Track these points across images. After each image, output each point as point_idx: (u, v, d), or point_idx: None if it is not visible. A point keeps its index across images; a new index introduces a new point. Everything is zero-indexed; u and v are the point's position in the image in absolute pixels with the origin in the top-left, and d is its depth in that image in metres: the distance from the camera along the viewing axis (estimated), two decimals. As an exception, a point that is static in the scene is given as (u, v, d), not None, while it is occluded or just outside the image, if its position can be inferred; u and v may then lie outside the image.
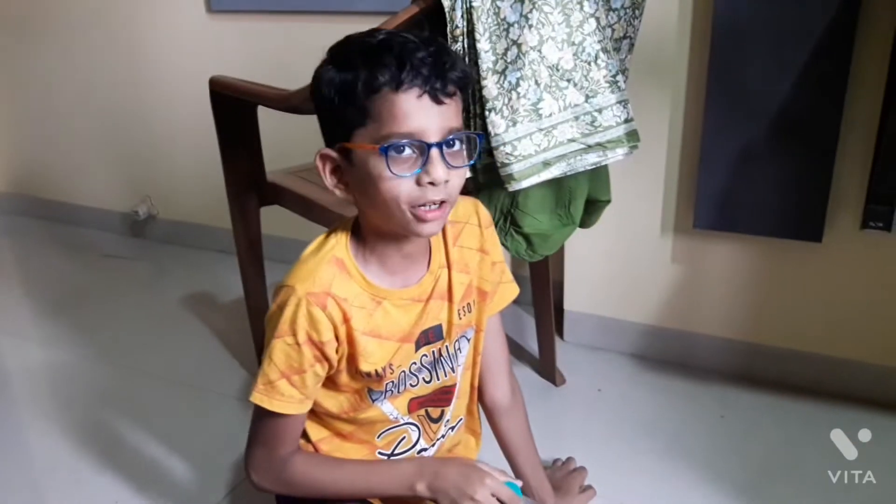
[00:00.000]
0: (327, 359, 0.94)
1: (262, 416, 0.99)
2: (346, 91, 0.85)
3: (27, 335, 2.13)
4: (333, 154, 0.90)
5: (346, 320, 0.93)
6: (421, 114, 0.84)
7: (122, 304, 2.30)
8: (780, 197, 1.53)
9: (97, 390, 1.82)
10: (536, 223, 1.39)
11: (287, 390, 0.94)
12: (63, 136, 2.83)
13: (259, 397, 0.95)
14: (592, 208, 1.47)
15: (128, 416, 1.70)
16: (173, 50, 2.44)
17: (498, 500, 0.92)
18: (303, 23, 2.18)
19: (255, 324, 1.81)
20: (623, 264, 1.79)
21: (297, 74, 1.31)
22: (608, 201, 1.47)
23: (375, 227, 0.94)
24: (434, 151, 0.85)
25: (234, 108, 1.57)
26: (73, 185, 2.90)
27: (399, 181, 0.85)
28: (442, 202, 0.88)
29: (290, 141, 1.81)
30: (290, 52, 2.17)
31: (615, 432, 1.58)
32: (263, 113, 1.56)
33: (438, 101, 0.85)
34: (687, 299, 1.76)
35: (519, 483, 0.97)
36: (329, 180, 0.92)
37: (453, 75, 0.86)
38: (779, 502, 1.37)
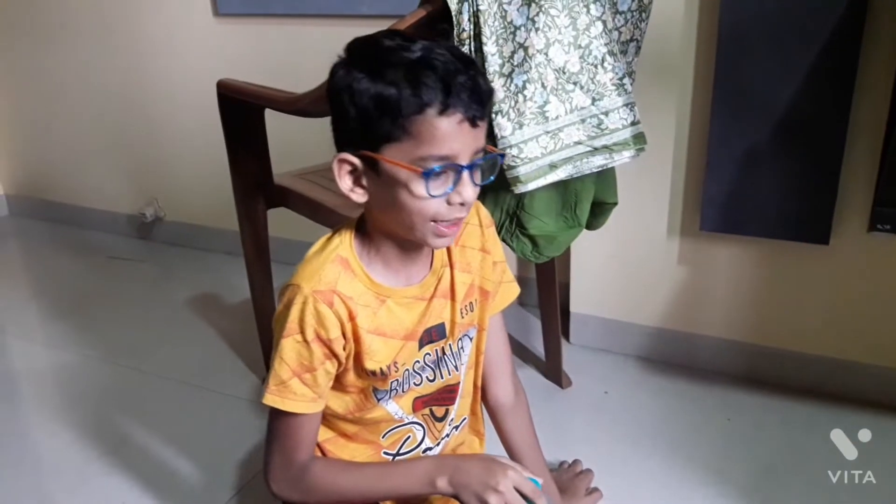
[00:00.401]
0: (336, 356, 0.94)
1: (276, 419, 0.99)
2: (385, 105, 0.84)
3: (34, 337, 2.14)
4: (354, 160, 0.89)
5: (351, 318, 0.93)
6: (459, 138, 0.85)
7: (129, 305, 2.31)
8: (787, 199, 1.53)
9: (104, 391, 1.83)
10: (542, 225, 1.40)
11: (299, 389, 0.94)
12: (70, 138, 2.85)
13: (272, 398, 0.95)
14: (599, 210, 1.47)
15: (135, 418, 1.71)
16: (181, 53, 2.45)
17: (520, 493, 0.91)
18: (309, 26, 2.18)
19: (262, 325, 1.81)
20: (629, 266, 1.79)
21: (305, 77, 1.32)
22: (615, 204, 1.47)
23: (386, 231, 0.95)
24: (465, 173, 0.87)
25: (242, 110, 1.58)
26: (80, 187, 2.91)
27: (431, 200, 0.87)
28: None
29: (297, 143, 1.82)
30: (297, 56, 2.19)
31: (621, 435, 1.58)
32: (270, 115, 1.57)
33: (475, 126, 0.87)
34: (693, 302, 1.76)
35: (540, 480, 0.95)
36: (345, 183, 0.91)
37: (486, 97, 0.87)
38: (783, 504, 1.38)
